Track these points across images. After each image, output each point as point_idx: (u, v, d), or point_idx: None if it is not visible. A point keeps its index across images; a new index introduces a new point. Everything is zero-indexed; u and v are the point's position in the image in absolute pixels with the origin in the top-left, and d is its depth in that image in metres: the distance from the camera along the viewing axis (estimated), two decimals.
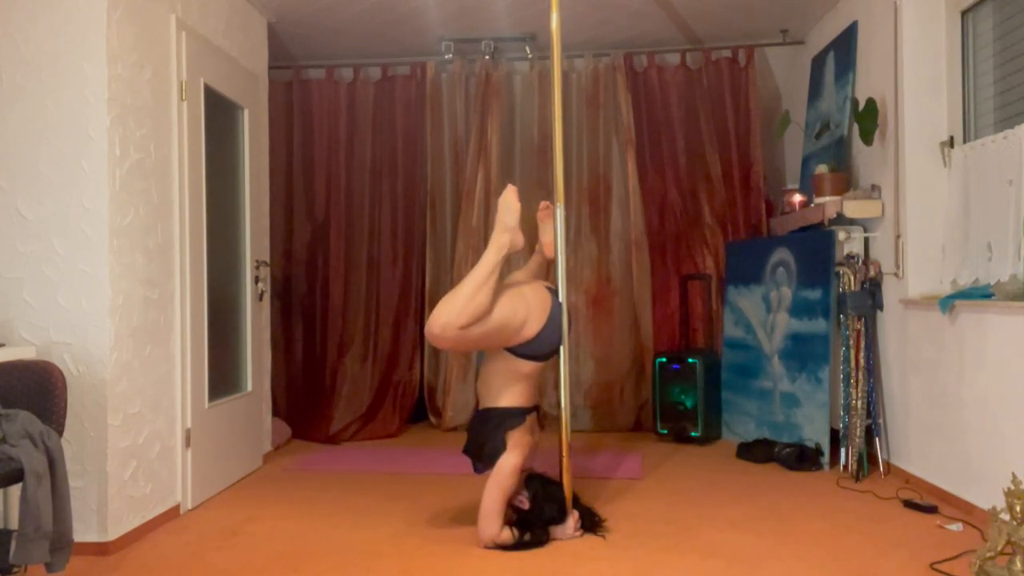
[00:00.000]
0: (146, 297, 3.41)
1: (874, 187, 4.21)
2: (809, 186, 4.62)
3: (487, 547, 3.07)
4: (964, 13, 3.76)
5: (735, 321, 5.21)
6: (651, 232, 5.54)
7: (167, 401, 3.57)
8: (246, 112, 4.44)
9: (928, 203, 3.82)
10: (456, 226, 5.66)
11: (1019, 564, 2.44)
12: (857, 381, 4.11)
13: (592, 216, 5.60)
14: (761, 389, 4.87)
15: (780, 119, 5.11)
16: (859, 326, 4.16)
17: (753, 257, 5.10)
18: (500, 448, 3.10)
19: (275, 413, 5.10)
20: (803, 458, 4.25)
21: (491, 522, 3.06)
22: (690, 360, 5.01)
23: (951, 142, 3.78)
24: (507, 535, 3.07)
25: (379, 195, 5.78)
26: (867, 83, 4.32)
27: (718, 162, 5.52)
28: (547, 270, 3.63)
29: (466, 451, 3.25)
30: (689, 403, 4.99)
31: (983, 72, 3.67)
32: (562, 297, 3.29)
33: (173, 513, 3.57)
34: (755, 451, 4.51)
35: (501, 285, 3.24)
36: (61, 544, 2.47)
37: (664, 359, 5.10)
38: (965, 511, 3.37)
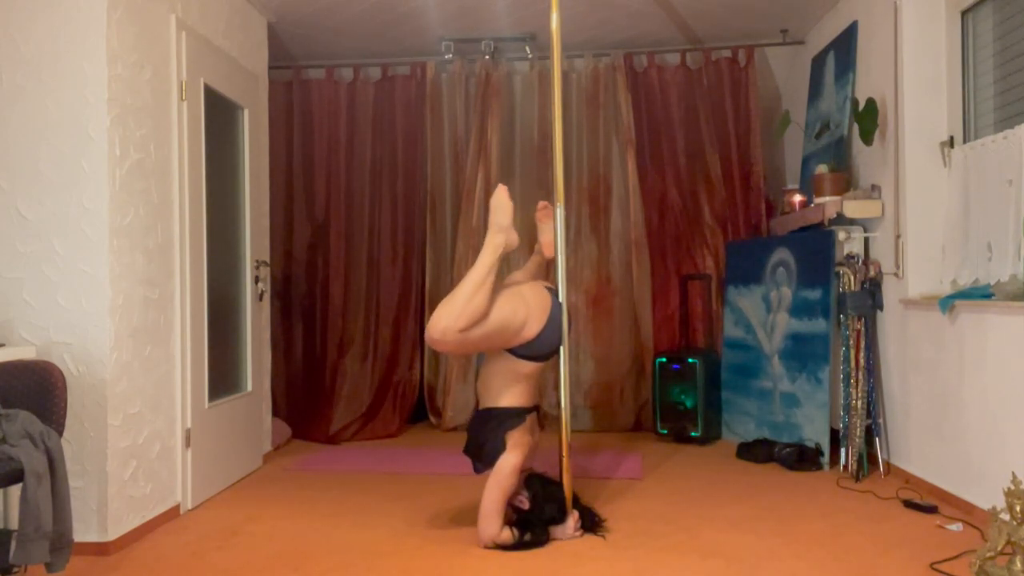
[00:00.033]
0: (146, 297, 3.41)
1: (874, 187, 4.21)
2: (809, 186, 4.62)
3: (487, 547, 3.07)
4: (964, 13, 3.76)
5: (735, 321, 5.21)
6: (651, 232, 5.54)
7: (167, 401, 3.57)
8: (246, 112, 4.45)
9: (928, 203, 3.82)
10: (456, 226, 5.66)
11: (1019, 564, 2.44)
12: (857, 381, 4.11)
13: (592, 216, 5.60)
14: (761, 389, 4.87)
15: (780, 119, 5.11)
16: (859, 326, 4.16)
17: (753, 257, 5.10)
18: (500, 448, 3.10)
19: (275, 413, 5.10)
20: (803, 458, 4.25)
21: (491, 522, 3.06)
22: (690, 360, 5.01)
23: (951, 142, 3.78)
24: (507, 535, 3.07)
25: (379, 195, 5.78)
26: (867, 83, 4.32)
27: (718, 162, 5.52)
28: (546, 270, 3.63)
29: (466, 451, 3.25)
30: (689, 403, 4.99)
31: (983, 72, 3.67)
32: (562, 297, 3.29)
33: (173, 513, 3.58)
34: (755, 451, 4.51)
35: (500, 286, 3.24)
36: (61, 544, 2.47)
37: (664, 359, 5.10)
38: (965, 511, 3.37)
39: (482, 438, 3.16)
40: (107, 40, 3.15)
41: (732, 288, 5.29)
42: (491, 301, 3.04)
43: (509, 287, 3.28)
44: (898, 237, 3.94)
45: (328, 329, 5.71)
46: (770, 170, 5.65)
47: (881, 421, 4.15)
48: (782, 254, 4.82)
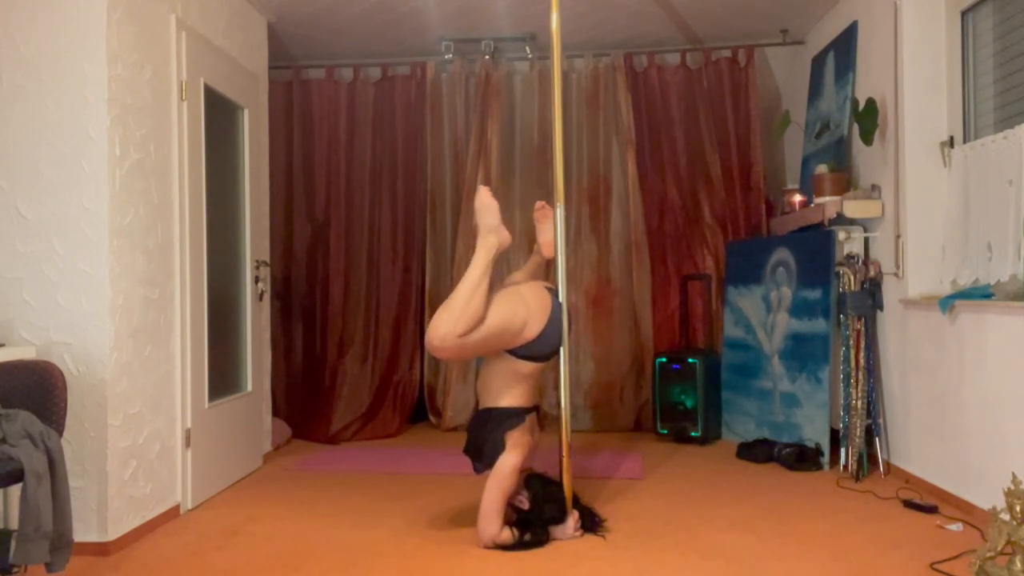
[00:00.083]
0: (146, 297, 3.41)
1: (874, 187, 4.21)
2: (809, 186, 4.62)
3: (487, 547, 3.06)
4: (964, 13, 3.76)
5: (735, 321, 5.22)
6: (651, 232, 5.54)
7: (167, 401, 3.57)
8: (246, 112, 4.45)
9: (928, 203, 3.82)
10: (456, 226, 5.66)
11: (1019, 564, 2.44)
12: (857, 381, 4.11)
13: (592, 216, 5.60)
14: (761, 389, 4.87)
15: (780, 119, 5.11)
16: (859, 326, 4.15)
17: (753, 257, 5.10)
18: (500, 448, 3.10)
19: (275, 413, 5.10)
20: (803, 458, 4.25)
21: (491, 522, 3.06)
22: (690, 360, 5.01)
23: (951, 142, 3.78)
24: (507, 535, 3.07)
25: (379, 195, 5.78)
26: (867, 83, 4.32)
27: (718, 162, 5.52)
28: (546, 270, 3.63)
29: (466, 451, 3.25)
30: (689, 403, 4.99)
31: (983, 72, 3.67)
32: (562, 297, 3.29)
33: (173, 513, 3.58)
34: (755, 451, 4.51)
35: (500, 287, 3.24)
36: (61, 544, 2.47)
37: (664, 359, 5.10)
38: (965, 511, 3.37)
39: (482, 438, 3.16)
40: (107, 40, 3.15)
41: (732, 288, 5.29)
42: (490, 303, 3.04)
43: (508, 287, 3.28)
44: (898, 237, 3.94)
45: (328, 329, 5.71)
46: (770, 170, 5.65)
47: (881, 421, 4.15)
48: (782, 254, 4.82)
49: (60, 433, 2.64)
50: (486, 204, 3.20)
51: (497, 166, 5.59)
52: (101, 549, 3.09)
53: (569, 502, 3.25)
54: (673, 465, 4.44)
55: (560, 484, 3.27)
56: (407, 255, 5.77)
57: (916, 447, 3.87)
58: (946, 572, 2.76)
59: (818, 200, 4.39)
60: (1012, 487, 2.46)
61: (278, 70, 5.61)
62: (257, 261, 4.56)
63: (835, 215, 4.25)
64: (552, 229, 3.49)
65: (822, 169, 4.44)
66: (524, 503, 3.14)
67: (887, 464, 4.09)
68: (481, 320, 2.98)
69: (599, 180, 5.60)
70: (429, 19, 5.07)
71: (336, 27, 5.16)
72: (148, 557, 3.08)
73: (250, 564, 2.97)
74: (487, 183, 5.53)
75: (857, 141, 4.29)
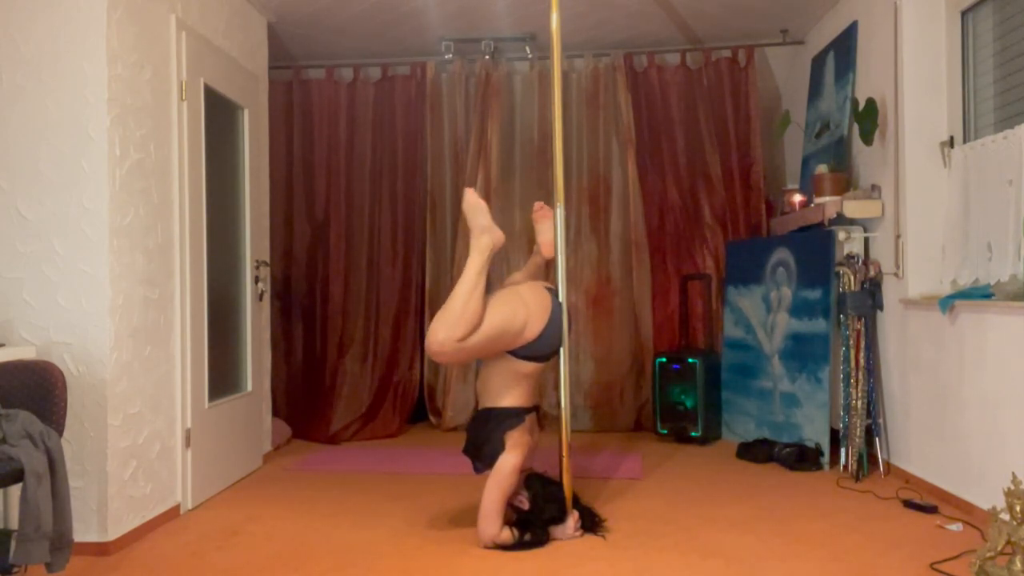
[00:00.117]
0: (146, 297, 3.41)
1: (874, 187, 4.21)
2: (809, 186, 4.62)
3: (487, 547, 3.07)
4: (964, 13, 3.76)
5: (735, 321, 5.22)
6: (651, 232, 5.54)
7: (167, 401, 3.57)
8: (246, 112, 4.45)
9: (928, 203, 3.82)
10: (456, 226, 5.66)
11: (1019, 564, 2.44)
12: (857, 381, 4.11)
13: (592, 216, 5.60)
14: (761, 389, 4.87)
15: (780, 119, 5.11)
16: (859, 326, 4.15)
17: (753, 257, 5.10)
18: (499, 448, 3.10)
19: (275, 413, 5.10)
20: (803, 458, 4.25)
21: (491, 522, 3.06)
22: (690, 360, 5.01)
23: (951, 142, 3.78)
24: (507, 535, 3.07)
25: (379, 195, 5.78)
26: (867, 83, 4.32)
27: (718, 162, 5.52)
28: (546, 270, 3.63)
29: (466, 451, 3.25)
30: (689, 403, 4.99)
31: (983, 72, 3.67)
32: (562, 297, 3.28)
33: (173, 513, 3.58)
34: (755, 451, 4.51)
35: (499, 287, 3.24)
36: (61, 544, 2.47)
37: (664, 359, 5.10)
38: (965, 511, 3.37)
39: (482, 438, 3.16)
40: (107, 40, 3.15)
41: (732, 288, 5.29)
42: (489, 304, 3.04)
43: (507, 288, 3.28)
44: (898, 237, 3.94)
45: (328, 329, 5.71)
46: (770, 170, 5.65)
47: (881, 421, 4.15)
48: (782, 254, 4.82)
49: (60, 433, 2.64)
50: (474, 205, 3.19)
51: (497, 166, 5.59)
52: (101, 549, 3.09)
53: (569, 502, 3.25)
54: (673, 465, 4.44)
55: (560, 484, 3.26)
56: (407, 255, 5.77)
57: (916, 447, 3.87)
58: (946, 572, 2.76)
59: (818, 200, 4.39)
60: (1012, 487, 2.46)
61: (278, 70, 5.61)
62: (257, 261, 4.56)
63: (835, 215, 4.25)
64: (551, 229, 3.49)
65: (822, 169, 4.44)
66: (524, 503, 3.14)
67: (887, 464, 4.09)
68: (479, 323, 2.97)
69: (599, 180, 5.60)
70: (429, 19, 5.07)
71: (336, 27, 5.16)
72: (148, 557, 3.08)
73: (250, 564, 2.97)
74: (487, 183, 5.54)
75: (857, 141, 4.29)
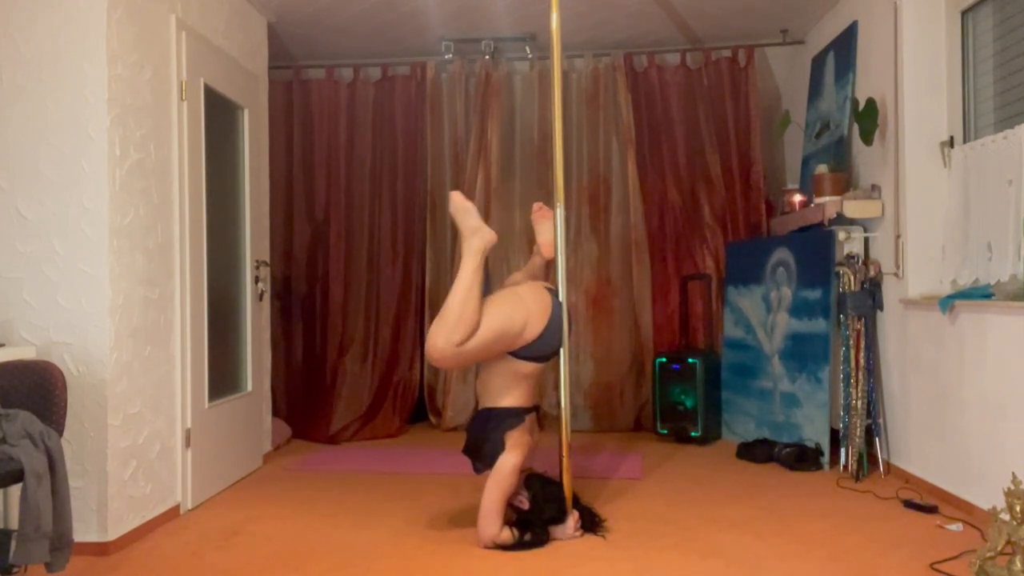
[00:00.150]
0: (146, 297, 3.41)
1: (874, 187, 4.21)
2: (809, 186, 4.62)
3: (487, 547, 3.06)
4: (964, 13, 3.76)
5: (735, 321, 5.21)
6: (651, 232, 5.54)
7: (167, 401, 3.57)
8: (246, 112, 4.44)
9: (928, 203, 3.82)
10: (456, 226, 5.64)
11: (1019, 564, 2.44)
12: (857, 381, 4.11)
13: (592, 216, 5.60)
14: (761, 389, 4.87)
15: (780, 119, 5.11)
16: (859, 326, 4.15)
17: (753, 257, 5.10)
18: (499, 448, 3.10)
19: (275, 413, 5.10)
20: (803, 458, 4.25)
21: (491, 522, 3.06)
22: (690, 360, 5.01)
23: (951, 142, 3.78)
24: (507, 535, 3.07)
25: (379, 195, 5.78)
26: (867, 83, 4.32)
27: (718, 162, 5.52)
28: (546, 270, 3.63)
29: (466, 451, 3.25)
30: (689, 403, 4.99)
31: (983, 72, 3.67)
32: (562, 297, 3.28)
33: (173, 513, 3.57)
34: (755, 451, 4.51)
35: (499, 287, 3.24)
36: (61, 544, 2.47)
37: (664, 359, 5.10)
38: (965, 511, 3.37)
39: (482, 438, 3.16)
40: (107, 40, 3.15)
41: (732, 288, 5.29)
42: (488, 305, 3.04)
43: (507, 289, 3.28)
44: (898, 237, 3.94)
45: (328, 329, 5.71)
46: (770, 170, 5.65)
47: (881, 421, 4.14)
48: (782, 254, 4.82)
49: (60, 433, 2.64)
50: (461, 207, 3.19)
51: (497, 166, 5.59)
52: (101, 549, 3.09)
53: (569, 502, 3.25)
54: (673, 465, 4.44)
55: (560, 484, 3.26)
56: (407, 255, 5.77)
57: (916, 447, 3.87)
58: (946, 572, 2.76)
59: (818, 200, 4.39)
60: (1012, 487, 2.46)
61: (278, 70, 5.61)
62: (257, 261, 4.56)
63: (835, 215, 4.25)
64: (551, 230, 3.49)
65: (822, 169, 4.44)
66: (524, 503, 3.14)
67: (887, 464, 4.09)
68: (477, 325, 2.97)
69: (599, 180, 5.60)
70: (429, 19, 5.07)
71: (336, 27, 5.16)
72: (148, 557, 3.08)
73: (250, 564, 2.97)
74: (487, 183, 5.54)
75: (857, 141, 4.29)
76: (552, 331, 3.15)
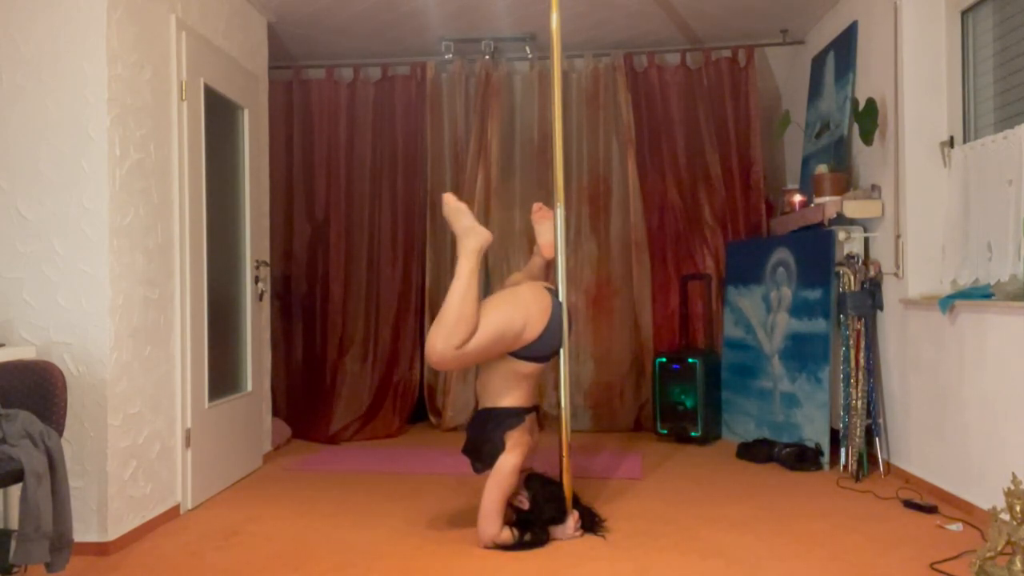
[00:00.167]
0: (146, 297, 3.41)
1: (874, 187, 4.21)
2: (809, 186, 4.62)
3: (487, 547, 3.06)
4: (964, 13, 3.76)
5: (735, 321, 5.21)
6: (651, 232, 5.54)
7: (167, 401, 3.57)
8: (246, 112, 4.45)
9: (928, 203, 3.82)
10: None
11: (1019, 564, 2.44)
12: (857, 381, 4.11)
13: (592, 216, 5.60)
14: (761, 389, 4.87)
15: (780, 119, 5.11)
16: (859, 326, 4.15)
17: (753, 257, 5.10)
18: (499, 448, 3.10)
19: (275, 413, 5.10)
20: (803, 458, 4.25)
21: (491, 522, 3.06)
22: (690, 360, 5.01)
23: (951, 142, 3.78)
24: (507, 535, 3.07)
25: (379, 195, 5.78)
26: (867, 83, 4.32)
27: (718, 162, 5.52)
28: (546, 271, 3.63)
29: (465, 451, 3.25)
30: (689, 403, 4.99)
31: (983, 72, 3.67)
32: (562, 297, 3.28)
33: (173, 513, 3.57)
34: (755, 451, 4.51)
35: (499, 288, 3.24)
36: (61, 544, 2.47)
37: (664, 359, 5.10)
38: (965, 511, 3.37)
39: (481, 438, 3.16)
40: (107, 40, 3.15)
41: (732, 288, 5.29)
42: (487, 306, 3.04)
43: (507, 289, 3.28)
44: (898, 237, 3.94)
45: (328, 329, 5.71)
46: (770, 170, 5.65)
47: (881, 421, 4.14)
48: (782, 254, 4.82)
49: (60, 433, 2.64)
50: (454, 208, 3.19)
51: (497, 166, 5.59)
52: (101, 549, 3.09)
53: (569, 502, 3.25)
54: (673, 465, 4.44)
55: (560, 484, 3.26)
56: (407, 255, 5.77)
57: (916, 447, 3.87)
58: (946, 572, 2.76)
59: (818, 200, 4.39)
60: (1012, 487, 2.46)
61: (278, 70, 5.61)
62: (257, 261, 4.56)
63: (835, 215, 4.25)
64: (551, 230, 3.49)
65: (822, 169, 4.44)
66: (524, 503, 3.14)
67: (887, 464, 4.09)
68: (476, 327, 2.97)
69: (599, 180, 5.60)
70: (429, 19, 5.07)
71: (336, 27, 5.16)
72: (148, 557, 3.08)
73: (250, 564, 2.97)
74: (487, 183, 5.54)
75: (857, 141, 4.29)
76: (552, 331, 3.15)
